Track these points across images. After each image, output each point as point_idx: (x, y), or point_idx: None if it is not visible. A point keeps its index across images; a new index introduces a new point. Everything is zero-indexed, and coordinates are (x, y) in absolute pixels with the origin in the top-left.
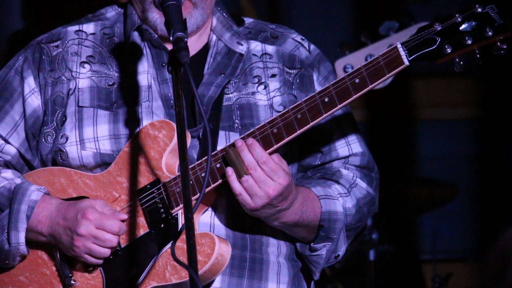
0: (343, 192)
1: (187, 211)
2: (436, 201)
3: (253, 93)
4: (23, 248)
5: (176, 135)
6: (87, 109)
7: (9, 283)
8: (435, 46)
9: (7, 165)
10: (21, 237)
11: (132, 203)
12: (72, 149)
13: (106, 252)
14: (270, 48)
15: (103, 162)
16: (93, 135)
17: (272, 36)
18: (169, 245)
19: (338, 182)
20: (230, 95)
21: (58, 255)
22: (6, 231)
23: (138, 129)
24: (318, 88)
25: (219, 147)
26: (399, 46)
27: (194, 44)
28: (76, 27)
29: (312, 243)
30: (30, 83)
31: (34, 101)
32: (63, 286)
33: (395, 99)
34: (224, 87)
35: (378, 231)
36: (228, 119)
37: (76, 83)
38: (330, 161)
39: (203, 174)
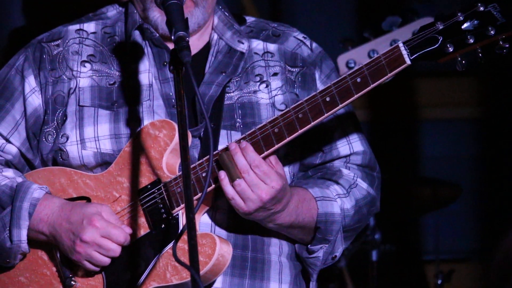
0: (342, 193)
1: (189, 212)
2: (439, 201)
3: (255, 92)
4: (24, 245)
5: (177, 135)
6: (87, 108)
7: (9, 284)
8: (437, 45)
9: (8, 164)
10: (23, 234)
11: (133, 203)
12: (72, 149)
13: (107, 261)
14: (272, 47)
15: (103, 162)
16: (94, 134)
17: (274, 34)
18: (170, 245)
19: (337, 183)
20: (232, 94)
21: (58, 256)
22: (8, 228)
23: (138, 129)
24: (320, 86)
25: (220, 147)
26: (400, 45)
27: (195, 43)
28: (77, 26)
29: (309, 245)
30: (30, 82)
31: (35, 100)
32: (63, 286)
33: (398, 98)
34: (226, 86)
35: (380, 231)
36: (230, 118)
37: (77, 82)
38: (331, 160)
39: (204, 174)
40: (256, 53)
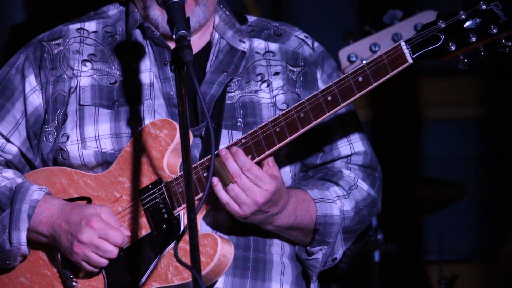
0: (342, 195)
1: (191, 212)
2: (442, 202)
3: (256, 91)
4: (24, 248)
5: (178, 135)
6: (88, 107)
7: (10, 285)
8: (439, 44)
9: (8, 164)
10: (22, 237)
11: (134, 203)
12: (73, 148)
13: (104, 262)
14: (273, 46)
15: (104, 161)
16: (94, 133)
17: (276, 33)
18: (171, 246)
19: (337, 184)
20: (233, 93)
21: (59, 257)
22: (7, 231)
23: (139, 128)
24: (321, 86)
25: (221, 146)
26: (402, 44)
27: (197, 42)
28: (77, 25)
29: (308, 247)
30: (31, 81)
31: (35, 99)
32: (64, 287)
33: (400, 98)
34: (227, 85)
35: (383, 231)
36: (231, 117)
37: (77, 82)
38: (331, 160)
39: (205, 174)
40: (257, 53)
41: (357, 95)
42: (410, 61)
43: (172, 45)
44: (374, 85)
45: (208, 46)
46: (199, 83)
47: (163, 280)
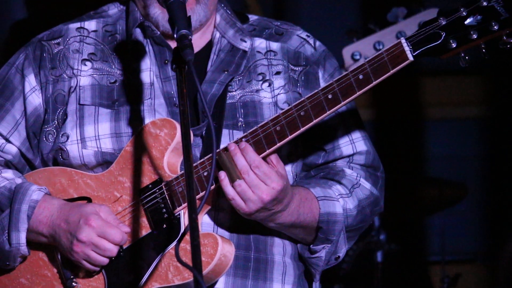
0: (344, 193)
1: (192, 212)
2: (445, 201)
3: (257, 91)
4: (23, 248)
5: (178, 134)
6: (88, 107)
7: (10, 286)
8: (439, 41)
9: (8, 164)
10: (22, 237)
11: (134, 203)
12: (73, 148)
13: (104, 261)
14: (274, 45)
15: (104, 161)
16: (94, 133)
17: (277, 33)
18: (172, 245)
19: (340, 183)
20: (234, 92)
21: (59, 257)
22: (7, 231)
23: (140, 128)
24: (323, 85)
25: (222, 145)
26: (403, 41)
27: (197, 41)
28: (77, 24)
29: (311, 245)
30: (31, 81)
31: (35, 99)
32: None
33: (403, 97)
34: (228, 84)
35: (386, 231)
36: (232, 117)
37: (77, 81)
38: (333, 160)
39: (205, 173)
40: (258, 52)
41: (358, 93)
42: (411, 58)
43: (172, 44)
44: (374, 83)
45: (209, 45)
46: (200, 82)
47: (164, 280)
